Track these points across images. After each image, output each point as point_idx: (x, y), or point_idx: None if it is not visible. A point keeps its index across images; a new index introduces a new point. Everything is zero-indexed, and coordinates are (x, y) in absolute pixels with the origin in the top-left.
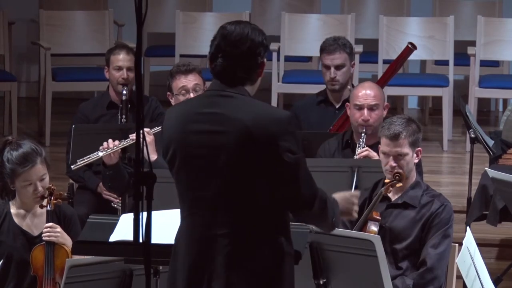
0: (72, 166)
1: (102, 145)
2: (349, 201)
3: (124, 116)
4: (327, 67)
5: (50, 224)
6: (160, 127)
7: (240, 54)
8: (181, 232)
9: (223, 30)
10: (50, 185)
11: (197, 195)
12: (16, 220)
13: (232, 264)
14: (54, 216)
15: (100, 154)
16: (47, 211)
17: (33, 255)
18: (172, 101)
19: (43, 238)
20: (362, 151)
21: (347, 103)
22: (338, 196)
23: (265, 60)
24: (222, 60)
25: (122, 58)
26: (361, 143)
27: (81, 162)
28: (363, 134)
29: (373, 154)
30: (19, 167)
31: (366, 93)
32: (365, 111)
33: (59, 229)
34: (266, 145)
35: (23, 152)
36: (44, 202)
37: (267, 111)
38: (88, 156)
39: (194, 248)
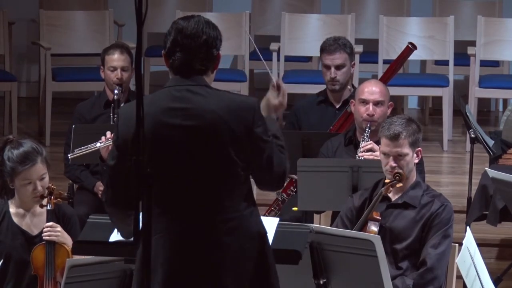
0: (69, 155)
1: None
2: (269, 101)
3: (116, 115)
4: (327, 67)
5: (51, 223)
6: None
7: (197, 47)
8: (155, 230)
9: (177, 25)
10: (50, 185)
11: (174, 190)
12: (15, 219)
13: (220, 261)
14: (53, 216)
15: (98, 145)
16: (47, 210)
17: (34, 254)
18: None
19: (44, 237)
20: (366, 144)
21: (352, 100)
22: (264, 107)
23: (220, 52)
24: (181, 54)
25: (116, 58)
26: (365, 137)
27: (78, 152)
28: (367, 129)
29: (377, 147)
30: (19, 166)
31: (372, 89)
32: (370, 106)
33: (59, 228)
34: (242, 133)
35: (24, 151)
36: (44, 202)
37: (237, 99)
38: (86, 146)
39: (174, 246)
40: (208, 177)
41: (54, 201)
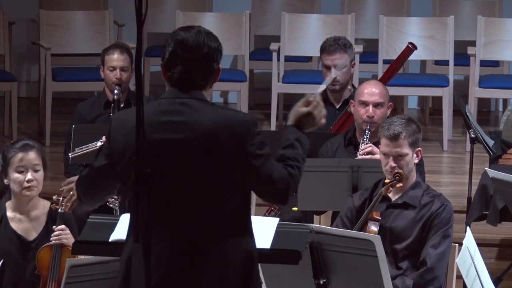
0: (70, 154)
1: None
2: (303, 113)
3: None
4: (328, 67)
5: (62, 226)
6: None
7: (198, 60)
8: (136, 246)
9: (177, 36)
10: (62, 189)
11: (163, 205)
12: (12, 224)
13: (203, 271)
14: (61, 219)
15: (99, 144)
16: (59, 213)
17: (40, 255)
18: None
19: (52, 240)
20: (366, 147)
21: (352, 100)
22: (295, 118)
23: (220, 65)
24: (181, 67)
25: (116, 58)
26: (365, 139)
27: (79, 151)
28: (367, 131)
29: (377, 150)
30: (13, 151)
31: (372, 90)
32: (370, 107)
33: (68, 231)
34: (234, 150)
35: (21, 142)
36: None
37: (231, 115)
38: (87, 145)
39: (163, 261)
40: (195, 193)
41: (68, 203)
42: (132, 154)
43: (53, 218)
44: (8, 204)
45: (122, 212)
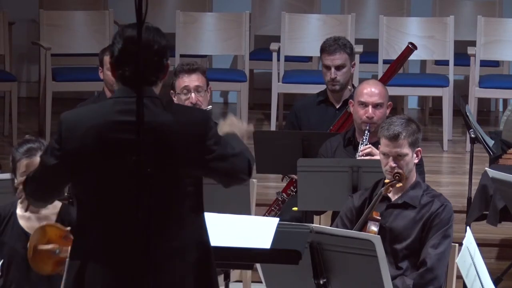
0: None
1: None
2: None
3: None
4: (328, 68)
5: None
6: None
7: (150, 57)
8: (89, 251)
9: (125, 33)
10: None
11: (117, 207)
12: (20, 221)
13: (163, 267)
14: (59, 219)
15: None
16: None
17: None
18: (175, 100)
19: None
20: (365, 148)
21: (350, 100)
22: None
23: (169, 61)
24: (133, 65)
25: None
26: (364, 140)
27: None
28: (366, 131)
29: (376, 152)
30: (18, 156)
31: (371, 91)
32: (370, 108)
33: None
34: (194, 147)
35: (28, 146)
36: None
37: (188, 112)
38: None
39: (122, 260)
40: (155, 194)
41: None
42: (88, 155)
43: (62, 218)
44: (19, 201)
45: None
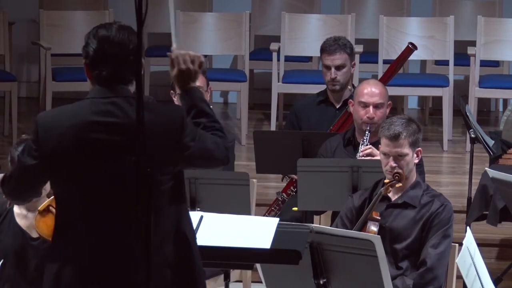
0: None
1: None
2: (176, 76)
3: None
4: (328, 68)
5: None
6: None
7: (126, 56)
8: (63, 254)
9: (99, 33)
10: None
11: (96, 208)
12: (17, 219)
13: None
14: None
15: None
16: None
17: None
18: (175, 100)
19: None
20: (365, 148)
21: (350, 100)
22: (176, 84)
23: (143, 60)
24: (109, 65)
25: None
26: (365, 140)
27: None
28: (367, 132)
29: (377, 152)
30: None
31: (371, 91)
32: (371, 108)
33: None
34: (171, 146)
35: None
36: None
37: (163, 111)
38: None
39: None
40: (132, 195)
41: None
42: (71, 156)
43: None
44: None
45: None
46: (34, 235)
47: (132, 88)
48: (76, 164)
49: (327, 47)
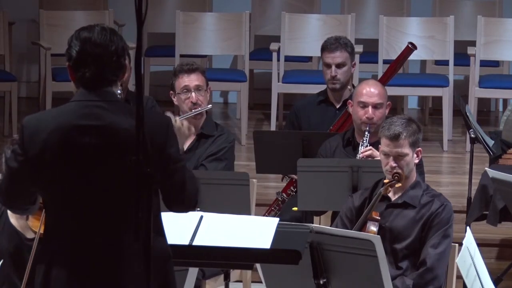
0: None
1: None
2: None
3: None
4: (328, 66)
5: None
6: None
7: (109, 57)
8: (51, 256)
9: (82, 35)
10: None
11: (80, 212)
12: (11, 220)
13: (123, 268)
14: None
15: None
16: None
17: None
18: (175, 100)
19: None
20: (365, 150)
21: (349, 100)
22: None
23: (127, 61)
24: (93, 65)
25: None
26: (364, 141)
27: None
28: (366, 132)
29: (377, 153)
30: None
31: (370, 91)
32: (370, 109)
33: None
34: (155, 153)
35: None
36: None
37: (150, 117)
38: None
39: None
40: (118, 198)
41: None
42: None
43: None
44: None
45: None
46: (29, 235)
47: (116, 88)
48: (61, 167)
49: (328, 45)
